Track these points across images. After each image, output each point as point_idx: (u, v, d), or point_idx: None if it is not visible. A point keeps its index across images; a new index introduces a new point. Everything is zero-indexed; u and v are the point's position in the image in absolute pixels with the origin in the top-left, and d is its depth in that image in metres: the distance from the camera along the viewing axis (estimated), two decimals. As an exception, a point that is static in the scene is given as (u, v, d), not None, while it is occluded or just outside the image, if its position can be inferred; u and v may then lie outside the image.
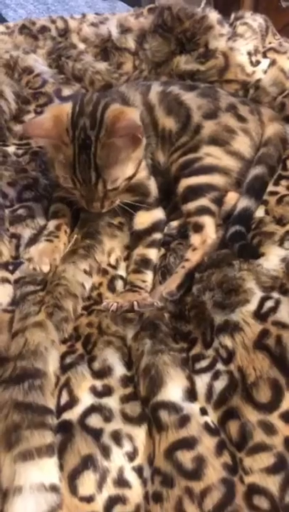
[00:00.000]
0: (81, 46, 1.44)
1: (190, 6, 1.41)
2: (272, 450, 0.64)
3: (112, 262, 0.98)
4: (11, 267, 0.93)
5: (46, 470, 0.64)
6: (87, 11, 1.79)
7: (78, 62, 1.36)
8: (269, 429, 0.65)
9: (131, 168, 0.93)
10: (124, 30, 1.47)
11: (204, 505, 0.62)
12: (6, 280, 0.90)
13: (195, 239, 0.96)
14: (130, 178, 0.94)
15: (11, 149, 1.16)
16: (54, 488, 0.63)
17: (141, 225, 1.02)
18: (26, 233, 0.99)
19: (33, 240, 0.98)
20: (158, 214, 1.05)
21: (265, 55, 1.33)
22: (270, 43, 1.37)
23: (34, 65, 1.32)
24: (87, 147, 0.87)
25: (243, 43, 1.33)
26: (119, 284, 0.95)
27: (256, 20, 1.38)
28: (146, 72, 1.38)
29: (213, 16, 1.38)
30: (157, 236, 1.01)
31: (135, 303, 0.85)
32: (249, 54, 1.32)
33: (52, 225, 0.99)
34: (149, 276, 0.95)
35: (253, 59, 1.32)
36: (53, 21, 1.47)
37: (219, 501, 0.62)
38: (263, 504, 0.62)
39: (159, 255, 1.00)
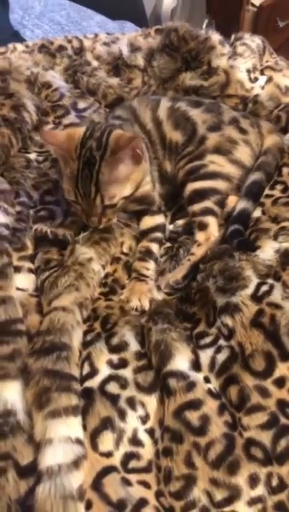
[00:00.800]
0: (94, 63, 1.56)
1: (194, 28, 1.52)
2: (266, 410, 0.75)
3: (125, 250, 1.09)
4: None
5: (72, 426, 0.74)
6: (98, 30, 1.91)
7: (92, 78, 1.48)
8: (264, 392, 0.76)
9: (129, 188, 1.02)
10: (134, 49, 1.59)
11: (208, 456, 0.72)
12: (31, 270, 1.01)
13: (200, 236, 1.06)
14: (127, 197, 1.03)
15: (32, 156, 1.27)
16: (79, 442, 0.73)
17: (145, 227, 1.14)
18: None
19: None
20: (160, 219, 1.16)
21: (262, 73, 1.45)
22: (267, 61, 1.48)
23: (52, 81, 1.44)
24: (91, 164, 0.97)
25: (242, 62, 1.44)
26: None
27: (254, 41, 1.50)
28: (154, 87, 1.49)
29: (216, 37, 1.50)
30: (158, 235, 1.13)
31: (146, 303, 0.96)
32: (248, 71, 1.44)
33: (68, 221, 1.10)
34: (152, 264, 1.06)
35: (252, 76, 1.43)
36: (69, 41, 1.60)
37: (221, 452, 0.72)
38: (258, 454, 0.72)
39: (159, 251, 1.11)
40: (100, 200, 0.98)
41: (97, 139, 0.99)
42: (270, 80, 1.41)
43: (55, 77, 1.46)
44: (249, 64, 1.44)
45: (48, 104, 1.39)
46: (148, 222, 1.14)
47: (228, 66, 1.43)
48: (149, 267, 1.05)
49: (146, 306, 0.95)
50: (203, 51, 1.45)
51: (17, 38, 1.78)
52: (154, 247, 1.10)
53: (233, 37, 1.54)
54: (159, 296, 0.99)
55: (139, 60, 1.56)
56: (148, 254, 1.08)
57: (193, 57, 1.46)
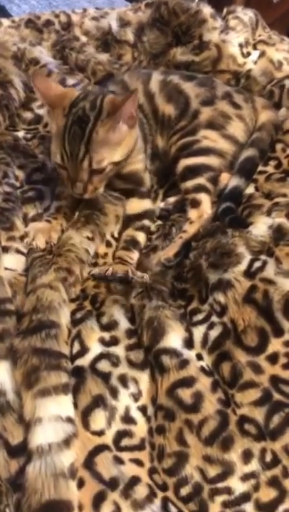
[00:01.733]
0: (83, 39, 1.53)
1: (185, 1, 1.49)
2: (259, 386, 0.74)
3: (115, 234, 1.07)
4: (26, 241, 1.01)
5: (62, 405, 0.73)
6: (87, 5, 1.87)
7: (81, 54, 1.45)
8: (257, 368, 0.75)
9: (119, 154, 0.97)
10: (124, 23, 1.56)
11: (202, 433, 0.72)
12: (21, 251, 0.98)
13: (192, 213, 1.04)
14: (116, 164, 0.98)
15: (20, 134, 1.25)
16: (70, 420, 0.72)
17: (132, 211, 1.09)
18: (33, 212, 1.08)
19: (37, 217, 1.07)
20: (148, 204, 1.12)
21: (255, 47, 1.42)
22: (260, 35, 1.46)
23: (40, 57, 1.41)
24: (83, 123, 0.93)
25: (234, 36, 1.41)
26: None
27: (247, 14, 1.47)
28: (144, 63, 1.47)
29: (207, 10, 1.47)
30: (146, 223, 1.08)
31: (129, 270, 0.94)
32: (240, 46, 1.41)
33: (53, 206, 1.06)
34: (135, 255, 1.02)
35: (244, 50, 1.41)
36: (57, 16, 1.56)
37: (215, 429, 0.72)
38: (251, 430, 0.71)
39: (145, 241, 1.06)
40: (87, 163, 0.94)
41: (91, 101, 0.96)
42: (263, 54, 1.39)
43: (43, 53, 1.43)
44: (241, 38, 1.42)
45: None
46: (135, 206, 1.10)
47: (219, 40, 1.41)
48: (133, 257, 1.01)
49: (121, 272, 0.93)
50: (194, 25, 1.42)
51: (3, 13, 1.74)
52: (140, 237, 1.05)
53: (225, 10, 1.51)
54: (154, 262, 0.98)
55: (129, 35, 1.53)
56: (133, 243, 1.03)
57: (184, 31, 1.43)
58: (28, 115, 1.28)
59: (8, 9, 1.78)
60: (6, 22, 1.54)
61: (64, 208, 1.06)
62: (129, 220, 1.08)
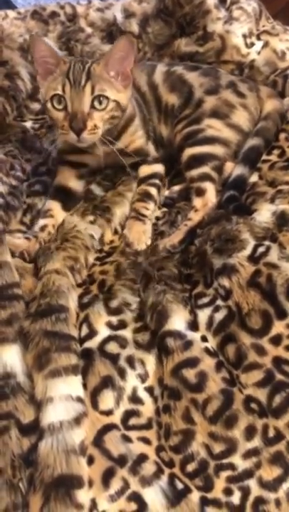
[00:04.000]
0: (88, 30, 1.54)
1: (189, -9, 1.50)
2: (262, 368, 0.76)
3: (122, 221, 1.08)
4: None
5: (72, 385, 0.76)
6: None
7: (86, 45, 1.46)
8: (260, 350, 0.77)
9: (116, 96, 1.00)
10: (128, 14, 1.57)
11: (206, 412, 0.74)
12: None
13: (197, 202, 1.06)
14: (116, 103, 1.00)
15: (28, 124, 1.27)
16: (80, 400, 0.75)
17: (143, 174, 1.15)
18: (40, 205, 1.12)
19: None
20: (158, 167, 1.17)
21: (258, 38, 1.43)
22: (263, 26, 1.46)
23: (46, 48, 1.42)
24: (83, 62, 0.98)
25: (238, 26, 1.43)
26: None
27: (250, 5, 1.47)
28: (149, 54, 1.48)
29: (211, 1, 1.47)
30: (156, 181, 1.14)
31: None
32: (244, 36, 1.42)
33: (39, 224, 1.06)
34: (151, 205, 1.07)
35: (248, 41, 1.42)
36: (62, 7, 1.58)
37: (218, 408, 0.74)
38: (255, 408, 0.74)
39: (158, 196, 1.12)
40: (90, 89, 0.96)
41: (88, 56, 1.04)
42: (266, 44, 1.40)
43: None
44: (245, 29, 1.43)
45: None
46: (146, 170, 1.16)
47: (223, 31, 1.42)
48: (149, 207, 1.06)
49: (142, 247, 0.97)
50: (198, 16, 1.43)
51: (8, 5, 1.75)
52: (153, 191, 1.11)
53: (229, 1, 1.52)
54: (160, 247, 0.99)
55: (134, 26, 1.54)
56: (147, 195, 1.09)
57: (188, 22, 1.44)
58: (35, 106, 1.31)
59: (13, 1, 1.80)
60: (11, 14, 1.56)
61: (49, 226, 1.06)
62: (140, 181, 1.14)
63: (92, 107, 0.97)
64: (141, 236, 1.00)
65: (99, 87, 0.97)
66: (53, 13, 1.56)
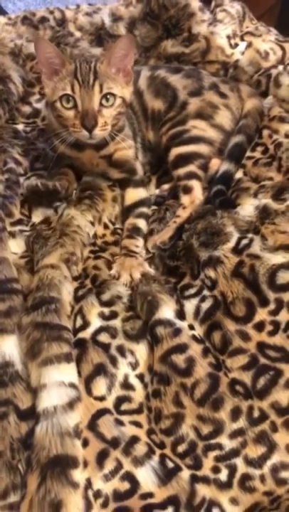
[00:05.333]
0: (77, 34, 1.58)
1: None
2: (246, 352, 0.80)
3: (113, 219, 1.13)
4: (25, 222, 1.09)
5: (65, 372, 0.79)
6: (80, 1, 1.92)
7: (76, 48, 1.50)
8: (245, 336, 0.81)
9: (122, 92, 1.04)
10: (116, 18, 1.61)
11: (194, 395, 0.78)
12: (23, 231, 1.05)
13: (185, 199, 1.10)
14: (122, 99, 1.04)
15: (20, 127, 1.31)
16: (73, 386, 0.78)
17: (129, 201, 1.15)
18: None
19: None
20: (143, 193, 1.17)
21: (242, 38, 1.48)
22: (247, 27, 1.51)
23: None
24: (89, 62, 1.01)
25: (222, 28, 1.47)
26: (120, 232, 1.11)
27: (234, 7, 1.52)
28: (136, 56, 1.52)
29: (195, 4, 1.52)
30: (144, 210, 1.13)
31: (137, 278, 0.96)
32: (228, 37, 1.47)
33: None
34: (140, 241, 1.06)
35: (232, 42, 1.46)
36: (51, 12, 1.62)
37: (206, 391, 0.78)
38: (240, 390, 0.78)
39: (147, 226, 1.11)
40: (98, 88, 0.99)
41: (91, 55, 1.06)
42: (250, 45, 1.44)
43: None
44: (229, 30, 1.47)
45: (33, 75, 1.42)
46: (131, 195, 1.15)
47: (208, 32, 1.46)
48: (138, 244, 1.05)
49: (137, 278, 0.95)
50: (183, 18, 1.48)
51: (-1, 11, 1.79)
52: (141, 223, 1.10)
53: (213, 3, 1.57)
54: (152, 270, 1.00)
55: (121, 29, 1.58)
56: (135, 231, 1.08)
57: (174, 24, 1.49)
58: (26, 109, 1.34)
59: (4, 7, 1.83)
60: (2, 19, 1.59)
61: (64, 180, 1.11)
62: (128, 211, 1.13)
63: (101, 104, 1.01)
64: (132, 271, 0.97)
65: (106, 86, 1.00)
66: (43, 18, 1.60)
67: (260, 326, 0.82)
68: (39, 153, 1.22)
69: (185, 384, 0.79)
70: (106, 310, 0.89)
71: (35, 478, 0.70)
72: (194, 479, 0.73)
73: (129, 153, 1.16)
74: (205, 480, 0.73)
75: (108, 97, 1.01)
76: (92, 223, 1.06)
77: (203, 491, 0.72)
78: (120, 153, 1.13)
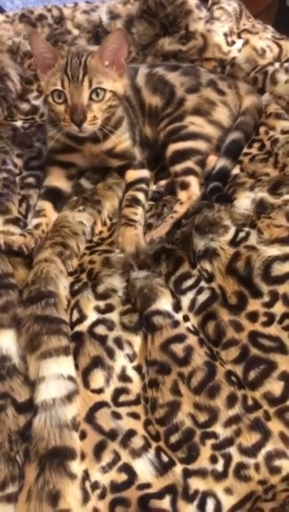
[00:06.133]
0: (75, 32, 1.59)
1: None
2: (238, 344, 0.80)
3: (111, 214, 1.13)
4: (21, 224, 1.09)
5: (63, 365, 0.80)
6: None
7: (73, 46, 1.51)
8: (238, 326, 0.82)
9: (113, 86, 1.03)
10: (114, 16, 1.62)
11: (191, 384, 0.79)
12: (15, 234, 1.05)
13: (182, 195, 1.11)
14: (112, 93, 1.03)
15: (18, 123, 1.32)
16: (71, 379, 0.79)
17: (130, 179, 1.19)
18: (35, 196, 1.16)
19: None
20: (144, 173, 1.20)
21: (239, 36, 1.48)
22: (244, 24, 1.52)
23: (34, 50, 1.46)
24: (80, 56, 1.01)
25: (219, 25, 1.48)
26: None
27: (231, 5, 1.53)
28: (134, 54, 1.53)
29: (192, 1, 1.53)
30: (143, 186, 1.17)
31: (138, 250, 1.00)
32: (225, 35, 1.47)
33: (32, 223, 1.08)
34: (139, 210, 1.11)
35: (229, 39, 1.47)
36: (49, 10, 1.63)
37: (202, 379, 0.79)
38: (233, 379, 0.79)
39: (146, 200, 1.15)
40: (87, 83, 1.00)
41: (84, 48, 1.07)
42: (246, 42, 1.45)
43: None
44: (226, 27, 1.48)
45: (31, 73, 1.43)
46: (132, 175, 1.19)
47: (205, 30, 1.47)
48: (137, 212, 1.10)
49: (133, 250, 0.99)
50: (180, 16, 1.49)
51: (-4, 9, 1.79)
52: (140, 196, 1.14)
53: (210, 1, 1.58)
54: (147, 239, 1.04)
55: (119, 27, 1.58)
56: (135, 201, 1.13)
57: (171, 22, 1.50)
58: (24, 106, 1.35)
59: (2, 5, 1.84)
60: (0, 17, 1.60)
61: (43, 225, 1.07)
62: (128, 186, 1.17)
63: (91, 98, 1.01)
64: (132, 241, 1.02)
65: (96, 80, 1.00)
66: (41, 16, 1.61)
67: (253, 316, 0.82)
68: (34, 154, 1.24)
69: (182, 373, 0.80)
70: (101, 303, 0.90)
71: (33, 469, 0.71)
72: (187, 474, 0.73)
73: (128, 144, 1.17)
74: (199, 473, 0.73)
75: (98, 91, 1.01)
76: (82, 210, 1.08)
77: (196, 484, 0.73)
78: (120, 147, 1.15)
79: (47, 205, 1.11)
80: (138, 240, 1.02)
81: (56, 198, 1.13)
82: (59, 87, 1.01)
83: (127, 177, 1.19)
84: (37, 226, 1.06)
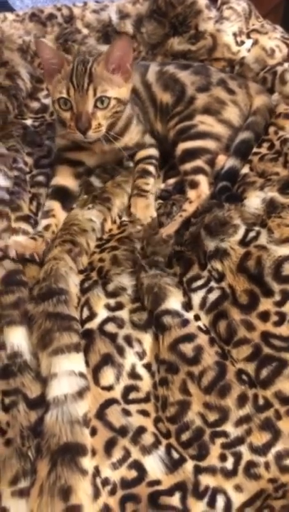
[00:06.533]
0: (85, 31, 1.60)
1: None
2: (250, 343, 0.81)
3: (121, 211, 1.14)
4: (32, 221, 1.10)
5: (74, 361, 0.81)
6: (87, -1, 1.92)
7: (83, 46, 1.51)
8: (249, 326, 0.82)
9: (117, 93, 1.05)
10: (123, 15, 1.63)
11: (201, 383, 0.79)
12: (26, 232, 1.06)
13: (191, 194, 1.11)
14: (117, 100, 1.05)
15: (28, 122, 1.32)
16: (82, 375, 0.80)
17: (139, 156, 1.22)
18: (44, 194, 1.17)
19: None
20: (153, 151, 1.23)
21: (248, 36, 1.49)
22: (253, 24, 1.52)
23: (44, 49, 1.47)
24: (85, 63, 1.02)
25: (228, 25, 1.48)
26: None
27: (240, 5, 1.53)
28: (143, 53, 1.54)
29: (202, 1, 1.54)
30: (153, 160, 1.21)
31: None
32: (234, 35, 1.48)
33: (42, 224, 1.08)
34: (150, 180, 1.14)
35: (238, 39, 1.48)
36: (59, 9, 1.63)
37: (213, 379, 0.79)
38: (246, 379, 0.79)
39: (156, 172, 1.19)
40: (92, 92, 1.01)
41: (89, 51, 1.07)
42: (256, 42, 1.45)
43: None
44: (235, 27, 1.48)
45: (41, 71, 1.43)
46: (142, 153, 1.22)
47: (214, 30, 1.48)
48: (149, 182, 1.13)
49: (148, 221, 1.04)
50: (190, 15, 1.49)
51: (6, 7, 1.81)
52: (151, 168, 1.18)
53: (219, 1, 1.58)
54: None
55: (128, 26, 1.60)
56: (145, 172, 1.17)
57: (181, 21, 1.50)
58: (35, 104, 1.36)
59: (12, 4, 1.85)
60: (10, 16, 1.61)
61: (52, 226, 1.07)
62: (138, 162, 1.21)
63: (96, 106, 1.02)
64: (145, 211, 1.07)
65: (101, 89, 1.02)
66: (51, 15, 1.61)
67: (264, 316, 0.83)
68: (44, 152, 1.24)
69: (192, 372, 0.80)
70: (112, 301, 0.91)
71: (45, 465, 0.71)
72: (198, 470, 0.74)
73: (139, 136, 1.21)
74: (209, 470, 0.74)
75: (103, 99, 1.03)
76: (91, 208, 1.08)
77: (207, 480, 0.73)
78: (133, 142, 1.18)
79: (55, 205, 1.12)
80: (150, 213, 1.07)
81: (64, 197, 1.14)
82: (65, 95, 1.02)
83: (138, 156, 1.22)
84: (47, 227, 1.07)
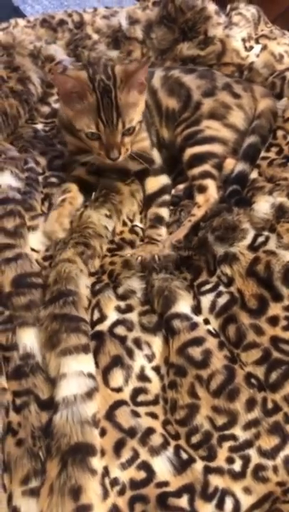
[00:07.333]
0: (95, 37, 1.61)
1: (190, -2, 1.57)
2: (260, 347, 0.82)
3: (130, 216, 1.15)
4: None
5: (83, 362, 0.81)
6: (97, 4, 1.95)
7: (93, 51, 1.54)
8: (258, 330, 0.83)
9: (139, 114, 1.06)
10: (133, 21, 1.64)
11: (210, 387, 0.80)
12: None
13: (200, 198, 1.12)
14: (140, 122, 1.07)
15: (39, 126, 1.34)
16: (91, 376, 0.81)
17: (151, 190, 1.19)
18: (57, 194, 1.16)
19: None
20: (164, 180, 1.21)
21: (257, 41, 1.50)
22: (262, 30, 1.53)
23: (55, 54, 1.50)
24: (108, 92, 1.01)
25: (237, 31, 1.49)
26: (138, 230, 1.14)
27: (249, 11, 1.54)
28: (153, 59, 1.55)
29: (211, 7, 1.55)
30: (166, 197, 1.18)
31: (156, 256, 1.01)
32: (243, 40, 1.49)
33: (59, 200, 1.12)
34: (163, 230, 1.12)
35: (247, 45, 1.48)
36: (70, 15, 1.65)
37: (222, 382, 0.80)
38: (255, 383, 0.80)
39: (169, 213, 1.16)
40: (121, 125, 1.02)
41: (104, 72, 1.04)
42: (265, 48, 1.46)
43: (58, 51, 1.52)
44: (244, 33, 1.49)
45: (51, 76, 1.45)
46: (153, 184, 1.20)
47: (224, 35, 1.48)
48: (161, 233, 1.11)
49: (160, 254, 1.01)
50: (199, 21, 1.50)
51: (17, 13, 1.83)
52: (164, 212, 1.15)
53: (228, 7, 1.59)
54: (166, 244, 1.05)
55: (138, 32, 1.61)
56: (158, 220, 1.13)
57: (190, 27, 1.51)
58: (45, 109, 1.37)
59: (22, 10, 1.87)
60: (21, 22, 1.63)
61: (68, 198, 1.11)
62: (150, 200, 1.18)
63: (123, 134, 1.04)
64: (151, 252, 1.03)
65: (128, 120, 1.03)
66: (61, 21, 1.63)
67: (273, 321, 0.83)
68: (57, 153, 1.25)
69: (200, 376, 0.81)
70: (122, 304, 0.92)
71: (55, 465, 0.72)
72: (207, 470, 0.75)
73: (146, 144, 1.19)
74: (218, 471, 0.74)
75: (130, 128, 1.04)
76: (109, 216, 1.09)
77: (216, 481, 0.74)
78: (138, 146, 1.15)
79: (73, 187, 1.14)
80: (156, 252, 1.04)
81: (82, 183, 1.16)
82: (94, 131, 1.03)
83: (148, 187, 1.20)
84: (63, 200, 1.10)
